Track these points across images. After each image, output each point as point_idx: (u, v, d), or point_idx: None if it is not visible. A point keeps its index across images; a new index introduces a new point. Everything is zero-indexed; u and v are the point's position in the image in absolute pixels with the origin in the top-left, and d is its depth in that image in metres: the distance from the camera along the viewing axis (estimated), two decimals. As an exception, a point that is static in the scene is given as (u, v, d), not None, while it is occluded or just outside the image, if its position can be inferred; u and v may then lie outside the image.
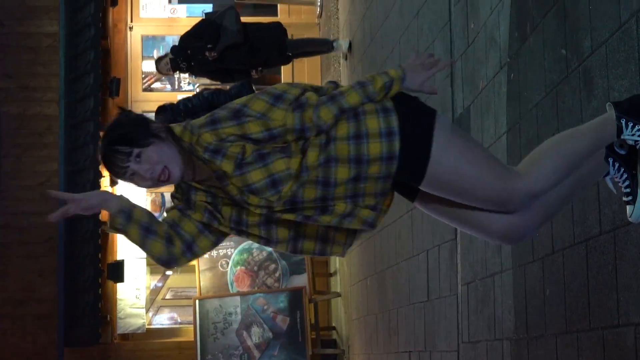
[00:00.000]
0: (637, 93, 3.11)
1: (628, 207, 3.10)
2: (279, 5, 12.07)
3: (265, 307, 9.81)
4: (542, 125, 4.15)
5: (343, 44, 9.31)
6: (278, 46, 9.11)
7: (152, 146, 2.82)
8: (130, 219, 2.91)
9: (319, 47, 9.93)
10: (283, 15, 12.02)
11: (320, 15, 11.56)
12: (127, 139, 2.81)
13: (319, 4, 11.48)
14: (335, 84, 2.99)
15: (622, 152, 3.07)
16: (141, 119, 2.90)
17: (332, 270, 10.73)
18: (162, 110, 2.99)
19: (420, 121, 2.91)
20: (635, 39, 3.18)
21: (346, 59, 9.42)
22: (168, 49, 12.27)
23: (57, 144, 9.43)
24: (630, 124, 2.97)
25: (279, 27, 9.28)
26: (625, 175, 3.08)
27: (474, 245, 5.21)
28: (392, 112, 2.88)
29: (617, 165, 3.07)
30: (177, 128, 2.85)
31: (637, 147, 3.01)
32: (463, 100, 5.48)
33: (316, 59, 11.62)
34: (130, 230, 2.92)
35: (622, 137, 2.99)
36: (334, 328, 10.46)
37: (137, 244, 2.97)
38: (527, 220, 3.04)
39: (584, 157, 3.01)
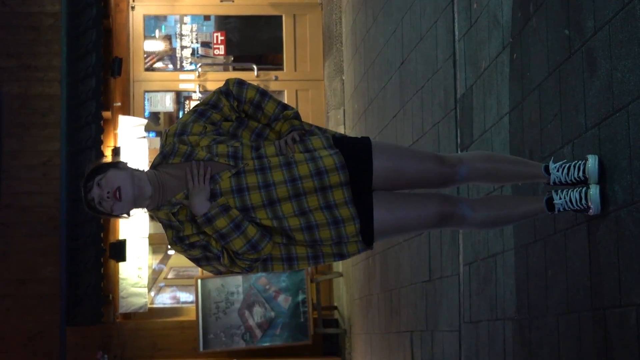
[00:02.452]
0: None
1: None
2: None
3: (267, 287, 9.83)
4: (545, 106, 4.14)
5: None
6: None
7: (110, 172, 3.41)
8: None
9: None
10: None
11: (322, -5, 11.52)
12: (92, 172, 3.44)
13: (321, -17, 11.45)
14: None
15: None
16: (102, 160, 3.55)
17: (334, 250, 10.71)
18: None
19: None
20: (638, 20, 3.16)
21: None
22: (170, 30, 12.28)
23: (58, 124, 9.39)
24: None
25: None
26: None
27: (476, 225, 5.20)
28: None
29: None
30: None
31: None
32: (465, 80, 5.47)
33: (318, 41, 11.58)
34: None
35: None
36: (335, 308, 10.48)
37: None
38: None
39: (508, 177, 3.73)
